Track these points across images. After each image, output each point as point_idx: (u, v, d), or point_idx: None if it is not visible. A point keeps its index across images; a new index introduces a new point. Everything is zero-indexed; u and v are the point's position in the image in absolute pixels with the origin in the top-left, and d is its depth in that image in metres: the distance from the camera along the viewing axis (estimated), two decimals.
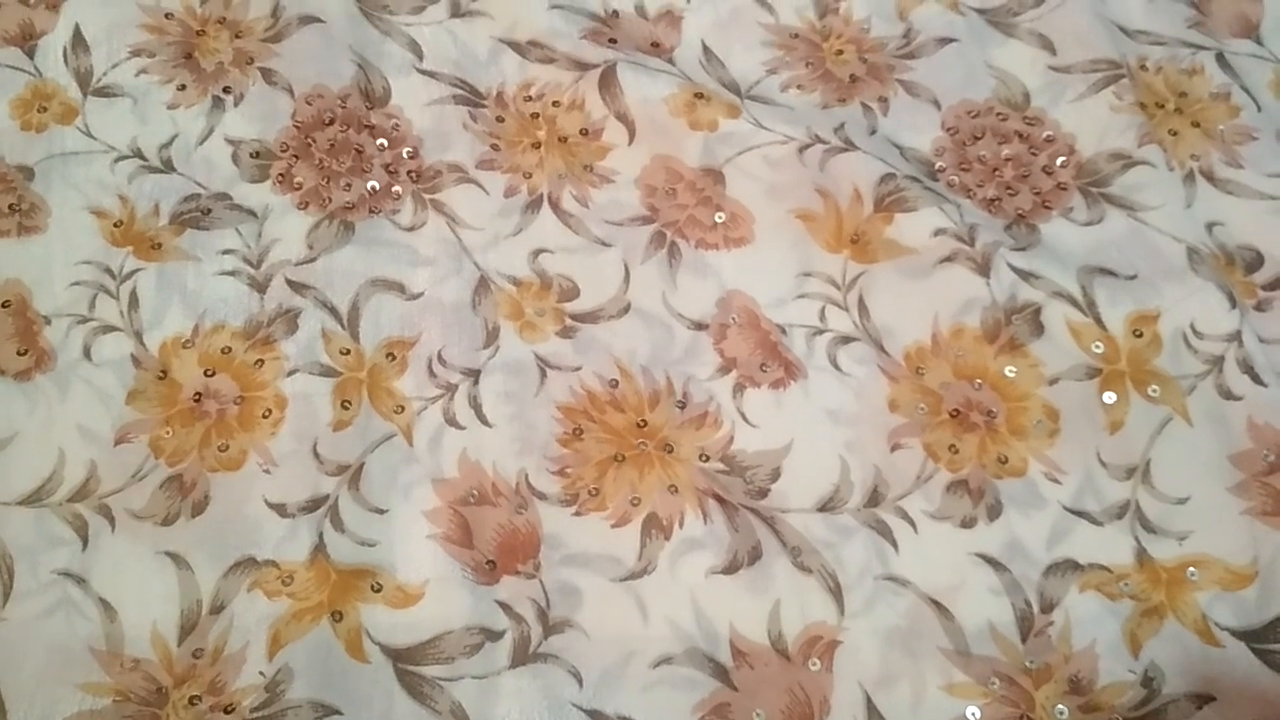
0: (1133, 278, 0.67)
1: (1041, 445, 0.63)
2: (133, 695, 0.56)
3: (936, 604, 0.59)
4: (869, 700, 0.57)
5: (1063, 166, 0.72)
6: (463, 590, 0.59)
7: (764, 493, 0.62)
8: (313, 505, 0.61)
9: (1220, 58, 0.77)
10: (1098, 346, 0.65)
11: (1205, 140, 0.73)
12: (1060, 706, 0.57)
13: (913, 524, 0.61)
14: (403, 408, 0.64)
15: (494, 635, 0.58)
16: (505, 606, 0.59)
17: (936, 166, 0.73)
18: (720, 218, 0.70)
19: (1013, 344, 0.66)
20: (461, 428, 0.63)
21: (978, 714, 0.57)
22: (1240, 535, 0.61)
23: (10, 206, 0.68)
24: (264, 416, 0.63)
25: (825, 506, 0.62)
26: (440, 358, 0.65)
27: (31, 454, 0.61)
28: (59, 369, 0.64)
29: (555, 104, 0.74)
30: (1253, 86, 0.75)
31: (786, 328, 0.67)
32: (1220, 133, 0.74)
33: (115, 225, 0.68)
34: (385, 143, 0.72)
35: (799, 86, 0.76)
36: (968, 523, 0.61)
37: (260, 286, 0.67)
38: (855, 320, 0.67)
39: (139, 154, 0.71)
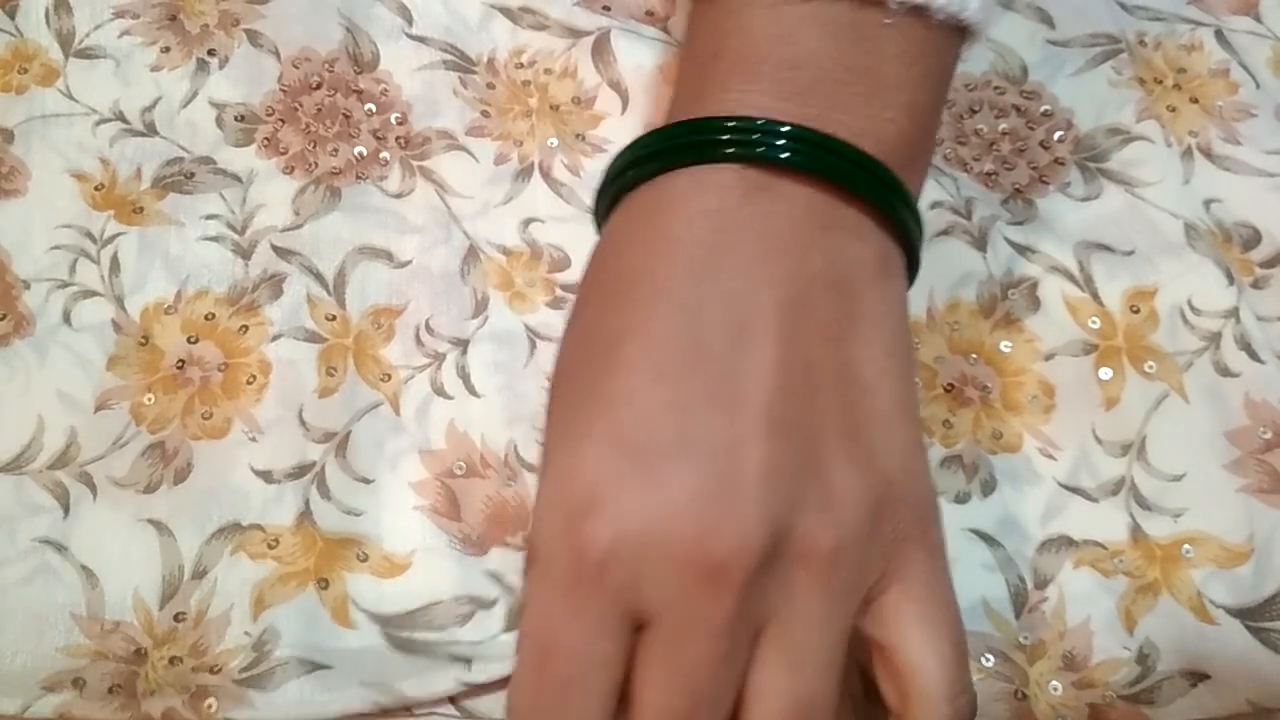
0: (1130, 253, 0.67)
1: (1037, 421, 0.63)
2: (110, 655, 0.55)
3: None
4: (860, 673, 0.56)
5: (1060, 141, 0.72)
6: (450, 561, 0.58)
7: None
8: (299, 472, 0.60)
9: (1219, 34, 0.76)
10: (1094, 322, 0.65)
11: (1204, 116, 0.73)
12: (1054, 683, 0.56)
13: None
14: (389, 376, 0.63)
15: (485, 604, 0.57)
16: (495, 576, 0.58)
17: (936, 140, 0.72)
18: None
19: (1009, 319, 0.65)
20: (449, 398, 0.62)
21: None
22: (1236, 512, 0.60)
23: None
24: (248, 383, 0.62)
25: None
26: (428, 327, 0.64)
27: (10, 421, 0.60)
28: (38, 334, 0.63)
29: (547, 71, 0.73)
30: (1251, 64, 0.75)
31: None
32: (1219, 109, 0.73)
33: (96, 189, 0.67)
34: (373, 108, 0.71)
35: None
36: (961, 498, 0.61)
37: (245, 252, 0.66)
38: None
39: (121, 117, 0.70)
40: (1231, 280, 0.66)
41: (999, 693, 0.56)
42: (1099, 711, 0.56)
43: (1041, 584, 0.59)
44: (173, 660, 0.55)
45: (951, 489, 0.61)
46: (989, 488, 0.61)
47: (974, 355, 0.64)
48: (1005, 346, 0.65)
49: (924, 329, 0.65)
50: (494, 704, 0.55)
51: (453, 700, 0.56)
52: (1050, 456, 0.62)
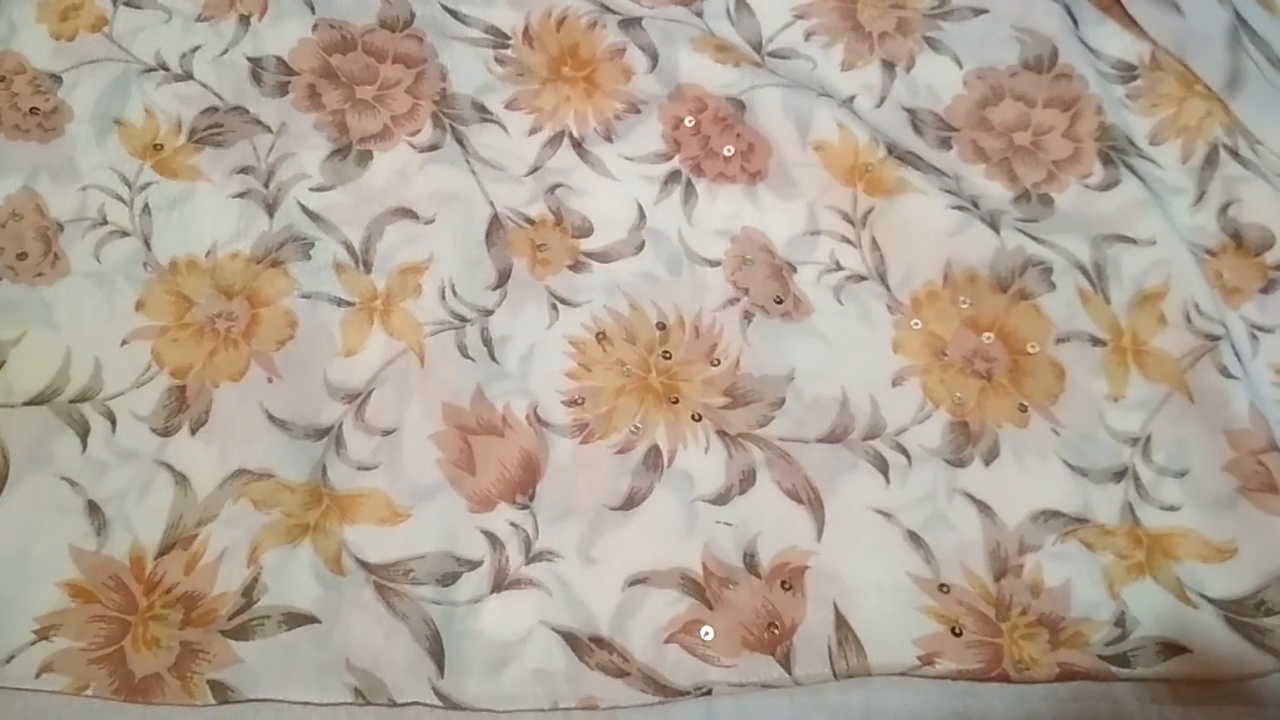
0: (1140, 248, 0.67)
1: (1046, 402, 0.63)
2: (103, 598, 0.56)
3: (915, 536, 0.59)
4: (840, 619, 0.57)
5: (1085, 129, 0.72)
6: (448, 516, 0.59)
7: (765, 422, 0.62)
8: (317, 427, 0.61)
9: None
10: (1103, 317, 0.65)
11: (1230, 119, 0.73)
12: (1029, 644, 0.57)
13: (908, 457, 0.61)
14: (415, 331, 0.64)
15: (472, 564, 0.58)
16: (490, 535, 0.59)
17: (952, 126, 0.72)
18: (737, 150, 0.71)
19: (1023, 294, 0.66)
20: (471, 359, 0.63)
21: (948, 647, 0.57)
22: (1227, 511, 0.60)
23: (32, 109, 0.69)
24: (273, 336, 0.63)
25: (825, 438, 0.62)
26: (453, 288, 0.65)
27: (39, 356, 0.62)
28: (71, 274, 0.64)
29: (575, 39, 0.75)
30: None
31: (797, 264, 0.67)
32: (1242, 126, 0.73)
33: (135, 136, 0.69)
34: (408, 70, 0.72)
35: (825, 35, 0.75)
36: (961, 462, 0.62)
37: (273, 208, 0.67)
38: (865, 258, 0.67)
39: (164, 65, 0.72)
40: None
41: (975, 651, 0.57)
42: (1069, 670, 0.56)
43: (1025, 550, 0.59)
44: (165, 605, 0.56)
45: (953, 452, 0.62)
46: (991, 456, 0.62)
47: (986, 328, 0.65)
48: (1018, 323, 0.65)
49: (938, 298, 0.66)
50: (476, 695, 0.55)
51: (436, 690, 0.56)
52: (1055, 433, 0.62)
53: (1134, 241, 0.67)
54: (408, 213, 0.67)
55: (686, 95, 0.73)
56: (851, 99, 0.73)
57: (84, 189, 0.67)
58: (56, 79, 0.71)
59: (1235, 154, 0.71)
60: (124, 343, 0.62)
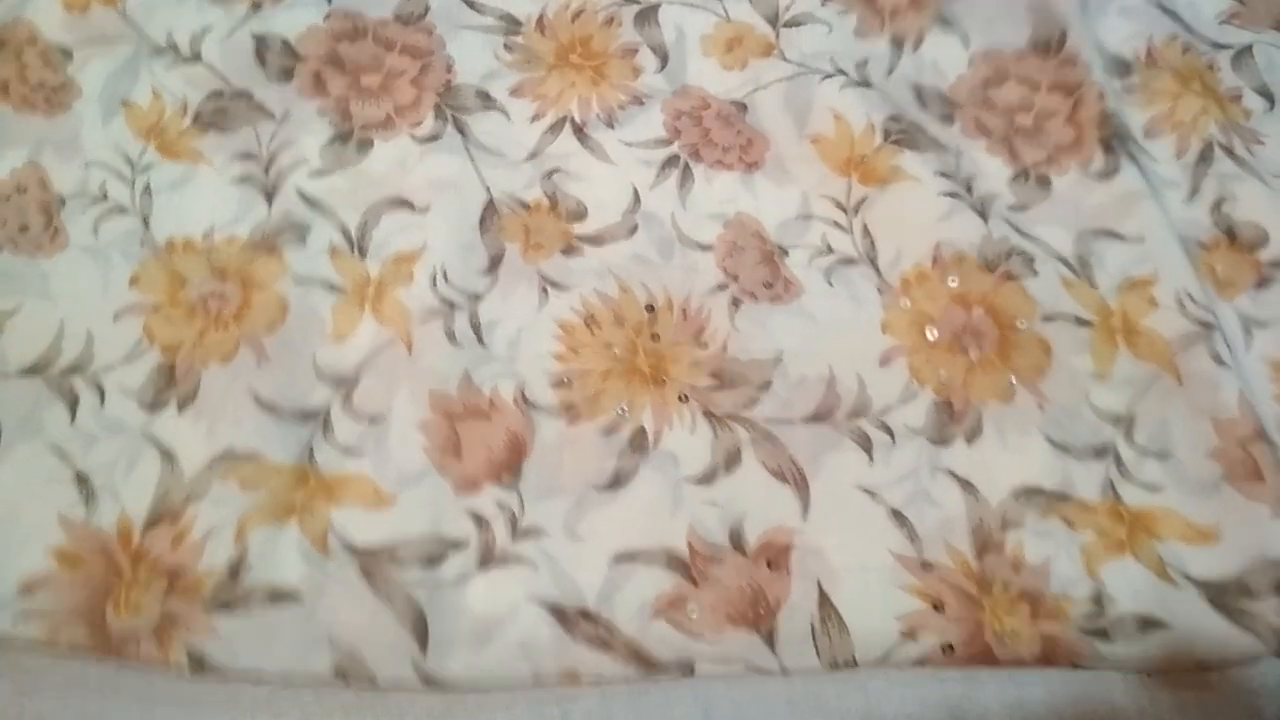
0: (1128, 244, 0.68)
1: (1032, 377, 0.64)
2: (90, 563, 0.56)
3: (899, 514, 0.60)
4: (823, 597, 0.57)
5: (1086, 116, 0.72)
6: (434, 499, 0.59)
7: (752, 404, 0.62)
8: (305, 410, 0.61)
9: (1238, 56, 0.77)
10: (1089, 300, 0.66)
11: (1225, 119, 0.73)
12: (1010, 618, 0.57)
13: (892, 436, 0.62)
14: (404, 319, 0.64)
15: (461, 545, 0.58)
16: (478, 515, 0.59)
17: (956, 105, 0.73)
18: (736, 144, 0.71)
19: (1009, 275, 0.66)
20: (459, 345, 0.64)
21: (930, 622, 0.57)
22: (1210, 496, 0.61)
23: (40, 83, 0.70)
24: (264, 321, 0.64)
25: (810, 417, 0.62)
26: (444, 274, 0.65)
27: (34, 327, 0.62)
28: (69, 248, 0.65)
29: (589, 32, 0.75)
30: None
31: (789, 247, 0.68)
32: (1237, 127, 0.73)
33: (141, 116, 0.70)
34: (414, 62, 0.73)
35: (841, 3, 0.77)
36: (944, 441, 0.62)
37: (272, 195, 0.67)
38: (856, 244, 0.68)
39: (174, 46, 0.72)
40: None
41: (957, 628, 0.57)
42: (1052, 642, 0.57)
43: (1008, 526, 0.60)
44: (150, 579, 0.56)
45: (937, 431, 0.62)
46: (974, 434, 0.62)
47: (974, 307, 0.66)
48: (1005, 302, 0.66)
49: (927, 278, 0.67)
50: (459, 672, 0.55)
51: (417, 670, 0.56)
52: (1040, 410, 0.63)
53: (1121, 238, 0.68)
54: (404, 203, 0.68)
55: (691, 95, 0.73)
56: (865, 63, 0.74)
57: (87, 165, 0.68)
58: (67, 54, 0.71)
59: (1230, 152, 0.72)
60: (116, 317, 0.63)
